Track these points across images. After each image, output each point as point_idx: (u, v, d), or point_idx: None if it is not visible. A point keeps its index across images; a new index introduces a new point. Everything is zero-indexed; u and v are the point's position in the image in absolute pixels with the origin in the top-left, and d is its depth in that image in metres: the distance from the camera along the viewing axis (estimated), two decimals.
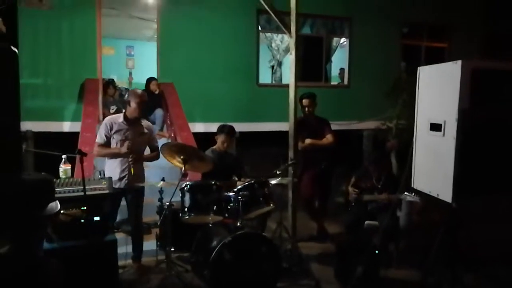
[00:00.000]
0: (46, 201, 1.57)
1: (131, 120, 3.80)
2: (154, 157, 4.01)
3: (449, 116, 2.47)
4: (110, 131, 3.77)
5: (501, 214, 5.49)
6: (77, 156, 3.09)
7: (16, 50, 1.46)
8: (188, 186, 3.48)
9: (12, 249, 1.47)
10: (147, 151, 4.04)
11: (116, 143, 3.77)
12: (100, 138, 3.81)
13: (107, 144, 3.79)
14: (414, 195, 3.89)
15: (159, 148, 3.85)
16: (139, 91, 3.94)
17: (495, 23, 9.84)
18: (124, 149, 3.67)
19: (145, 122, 3.97)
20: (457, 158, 2.43)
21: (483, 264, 3.95)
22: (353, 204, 4.57)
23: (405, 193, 3.90)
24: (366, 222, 4.27)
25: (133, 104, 3.74)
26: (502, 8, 9.70)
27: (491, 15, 9.92)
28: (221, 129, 4.37)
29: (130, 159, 3.67)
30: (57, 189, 2.97)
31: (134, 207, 3.89)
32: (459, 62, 2.41)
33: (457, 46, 9.47)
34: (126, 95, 9.52)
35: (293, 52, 4.64)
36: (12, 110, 1.93)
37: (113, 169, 3.80)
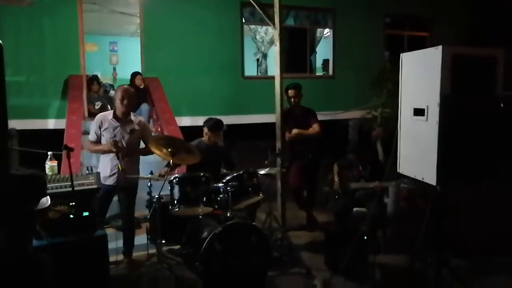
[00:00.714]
0: (37, 196, 1.57)
1: (121, 117, 3.78)
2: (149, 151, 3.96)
3: (432, 101, 2.52)
4: (100, 129, 3.77)
5: (485, 199, 5.64)
6: (64, 152, 3.06)
7: (1, 42, 1.41)
8: (177, 179, 3.48)
9: (2, 243, 1.47)
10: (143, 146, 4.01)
11: (106, 140, 3.75)
12: (91, 135, 3.83)
13: (98, 141, 3.79)
14: (405, 180, 3.96)
15: None
16: (124, 87, 3.89)
17: (477, 15, 10.02)
18: (109, 147, 3.64)
19: (136, 118, 3.91)
20: (440, 142, 2.49)
21: (469, 250, 4.04)
22: (339, 192, 4.63)
23: (392, 182, 3.97)
24: (354, 209, 4.34)
25: (117, 101, 3.74)
26: (483, 1, 9.91)
27: (473, 6, 10.10)
28: (206, 122, 4.35)
29: (118, 157, 3.65)
30: None
31: (126, 204, 3.88)
32: (440, 47, 2.46)
33: (438, 36, 9.61)
34: (111, 91, 9.47)
35: (278, 44, 4.67)
36: None
37: (104, 165, 3.81)
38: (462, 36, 9.95)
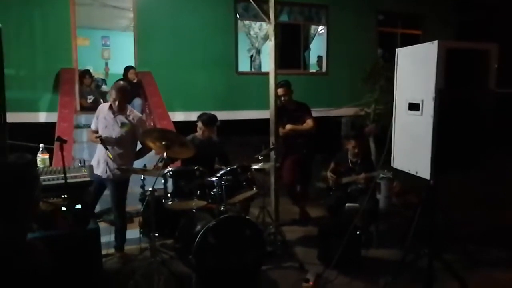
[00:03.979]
0: (33, 182, 1.55)
1: (115, 110, 3.81)
2: (145, 152, 3.99)
3: (427, 95, 2.54)
4: (97, 119, 3.90)
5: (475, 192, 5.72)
6: (57, 144, 3.03)
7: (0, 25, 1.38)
8: (171, 172, 3.46)
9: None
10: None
11: (101, 131, 3.82)
12: (93, 124, 3.99)
13: (97, 130, 3.89)
14: (386, 171, 4.02)
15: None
16: (117, 85, 3.89)
17: (466, 13, 10.15)
18: (92, 136, 3.82)
19: (132, 113, 3.91)
20: (435, 136, 2.51)
21: (460, 242, 4.10)
22: (333, 188, 4.66)
23: (379, 170, 4.03)
24: (347, 204, 4.36)
25: (110, 98, 3.83)
26: None
27: (462, 4, 10.23)
28: (199, 117, 4.37)
29: (106, 147, 3.67)
30: None
31: (116, 196, 3.87)
32: (436, 42, 2.48)
33: (430, 34, 9.68)
34: (103, 86, 9.39)
35: (273, 39, 4.66)
36: None
37: (97, 156, 3.89)
38: (452, 33, 10.06)
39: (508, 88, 7.42)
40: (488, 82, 2.66)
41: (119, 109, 3.80)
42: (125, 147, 3.84)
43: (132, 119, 3.84)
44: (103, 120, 3.83)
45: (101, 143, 3.69)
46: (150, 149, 3.87)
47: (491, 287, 3.51)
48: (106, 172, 3.79)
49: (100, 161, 3.81)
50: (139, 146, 3.99)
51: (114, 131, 3.79)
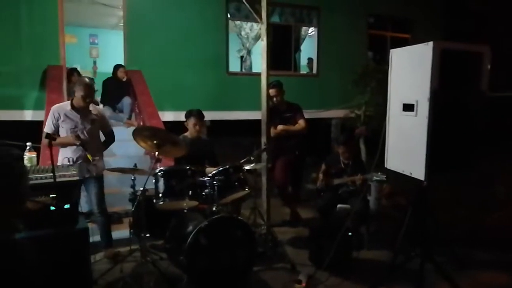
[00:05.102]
0: (21, 178, 1.50)
1: (79, 108, 3.72)
2: (110, 142, 4.05)
3: (421, 96, 2.55)
4: (57, 120, 3.70)
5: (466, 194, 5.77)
6: (45, 142, 2.95)
7: None
8: (162, 172, 3.41)
9: None
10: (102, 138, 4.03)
11: (66, 132, 3.69)
12: (48, 127, 3.70)
13: (55, 133, 3.66)
14: (380, 173, 4.02)
15: (113, 131, 4.02)
16: (85, 80, 3.82)
17: (455, 18, 10.32)
18: (72, 140, 3.62)
19: (94, 108, 3.90)
20: (429, 137, 2.51)
21: (447, 244, 4.12)
22: (324, 189, 4.65)
23: (373, 173, 4.02)
24: (338, 205, 4.36)
25: (78, 95, 3.67)
26: (459, 4, 10.22)
27: (451, 10, 10.39)
28: (189, 113, 4.34)
29: (85, 148, 3.63)
30: None
31: (99, 194, 3.86)
32: (431, 43, 2.49)
33: (419, 37, 9.78)
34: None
35: (265, 39, 4.63)
36: None
37: (64, 157, 3.76)
38: (440, 38, 10.18)
39: (496, 92, 7.54)
40: (481, 84, 2.68)
41: (88, 106, 3.75)
42: (96, 141, 3.87)
43: (97, 114, 3.86)
44: (68, 121, 3.70)
45: (80, 146, 3.62)
46: (113, 139, 4.02)
47: None
48: (88, 171, 3.74)
49: (77, 162, 3.71)
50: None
51: (85, 129, 3.74)
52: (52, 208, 2.87)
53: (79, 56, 10.78)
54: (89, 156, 3.59)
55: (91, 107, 3.83)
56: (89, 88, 3.69)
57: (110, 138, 4.06)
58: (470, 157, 2.78)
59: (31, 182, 2.88)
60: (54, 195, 2.90)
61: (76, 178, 3.14)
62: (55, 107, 3.78)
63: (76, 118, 3.71)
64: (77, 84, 3.77)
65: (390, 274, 3.31)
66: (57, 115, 3.69)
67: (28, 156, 3.49)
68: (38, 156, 3.76)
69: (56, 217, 2.89)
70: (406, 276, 3.35)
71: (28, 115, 6.43)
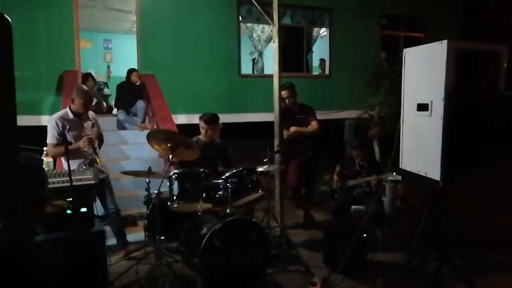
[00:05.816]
0: (42, 183, 1.54)
1: (80, 114, 3.79)
2: (101, 144, 4.13)
3: (436, 96, 2.51)
4: (63, 130, 3.69)
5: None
6: (52, 151, 3.00)
7: (10, 19, 1.33)
8: (176, 175, 3.43)
9: (6, 231, 1.43)
10: None
11: (74, 139, 3.70)
12: (53, 138, 3.68)
13: (61, 143, 3.63)
14: (395, 174, 3.96)
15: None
16: (82, 87, 3.90)
17: (469, 17, 10.16)
18: (83, 144, 3.64)
19: (91, 113, 3.99)
20: (444, 137, 2.48)
21: (465, 247, 4.05)
22: (338, 191, 4.62)
23: (388, 173, 3.98)
24: (353, 206, 4.32)
25: (77, 102, 3.70)
26: (473, 3, 10.06)
27: (465, 9, 10.24)
28: (200, 117, 4.34)
29: (96, 153, 3.68)
30: None
31: (112, 191, 3.96)
32: (445, 42, 2.46)
33: (433, 37, 9.66)
34: (105, 89, 9.39)
35: (276, 41, 4.64)
36: (7, 86, 1.77)
37: (72, 163, 3.75)
38: (454, 38, 10.02)
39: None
40: (498, 83, 2.63)
41: (87, 112, 3.84)
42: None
43: (94, 118, 3.96)
44: (74, 128, 3.73)
45: (93, 150, 3.67)
46: (103, 141, 4.13)
47: None
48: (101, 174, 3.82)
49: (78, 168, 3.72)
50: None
51: (90, 134, 3.80)
52: (68, 211, 2.92)
53: (94, 61, 10.94)
54: (99, 161, 3.64)
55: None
56: (88, 96, 3.77)
57: (102, 141, 4.16)
58: (485, 157, 2.74)
59: (50, 186, 2.94)
60: (70, 199, 2.95)
61: (92, 181, 3.18)
62: (56, 117, 3.74)
63: (79, 124, 3.78)
64: (76, 92, 3.77)
65: (405, 277, 3.27)
66: (62, 124, 3.69)
67: (45, 161, 3.57)
68: (54, 160, 3.84)
69: (72, 220, 2.95)
70: (423, 279, 3.30)
71: (44, 120, 6.53)
